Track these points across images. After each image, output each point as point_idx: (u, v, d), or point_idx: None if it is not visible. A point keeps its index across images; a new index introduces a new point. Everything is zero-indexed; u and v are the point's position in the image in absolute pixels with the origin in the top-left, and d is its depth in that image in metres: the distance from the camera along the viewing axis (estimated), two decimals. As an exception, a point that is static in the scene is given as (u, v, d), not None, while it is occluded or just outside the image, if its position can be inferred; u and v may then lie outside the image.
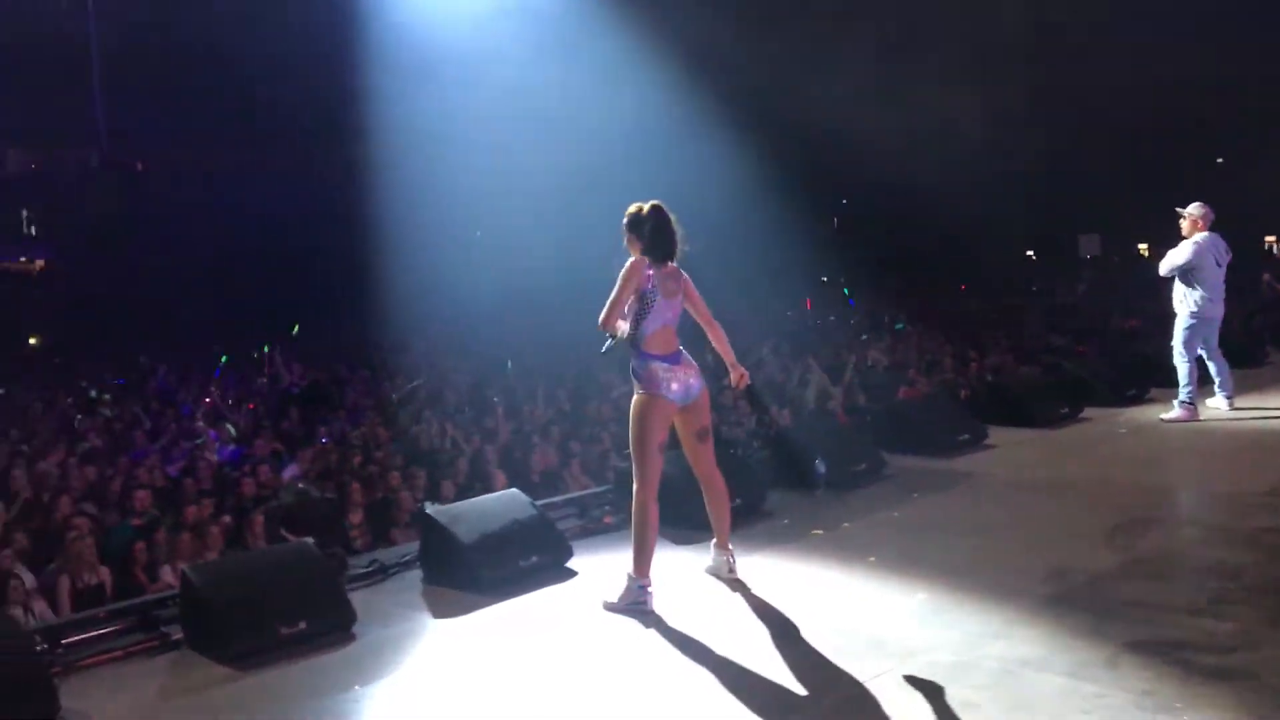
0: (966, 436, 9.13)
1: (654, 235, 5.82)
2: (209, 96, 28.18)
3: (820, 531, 6.96)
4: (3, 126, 29.10)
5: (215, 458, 12.52)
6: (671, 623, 5.57)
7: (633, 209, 5.92)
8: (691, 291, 6.00)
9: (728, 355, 6.20)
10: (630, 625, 5.60)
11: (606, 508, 7.74)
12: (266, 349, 17.42)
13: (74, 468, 12.07)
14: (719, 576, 6.16)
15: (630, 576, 5.80)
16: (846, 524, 7.08)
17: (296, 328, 23.06)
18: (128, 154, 31.60)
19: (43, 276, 32.05)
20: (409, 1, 22.55)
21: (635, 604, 5.75)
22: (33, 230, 33.41)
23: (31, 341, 27.43)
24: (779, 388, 13.20)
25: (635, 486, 5.83)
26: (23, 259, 32.73)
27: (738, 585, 6.02)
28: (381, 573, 6.72)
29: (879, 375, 12.68)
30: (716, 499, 6.10)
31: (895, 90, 20.47)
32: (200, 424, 13.57)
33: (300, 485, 7.12)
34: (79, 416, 15.29)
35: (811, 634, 5.24)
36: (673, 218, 5.89)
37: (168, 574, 9.28)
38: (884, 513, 7.33)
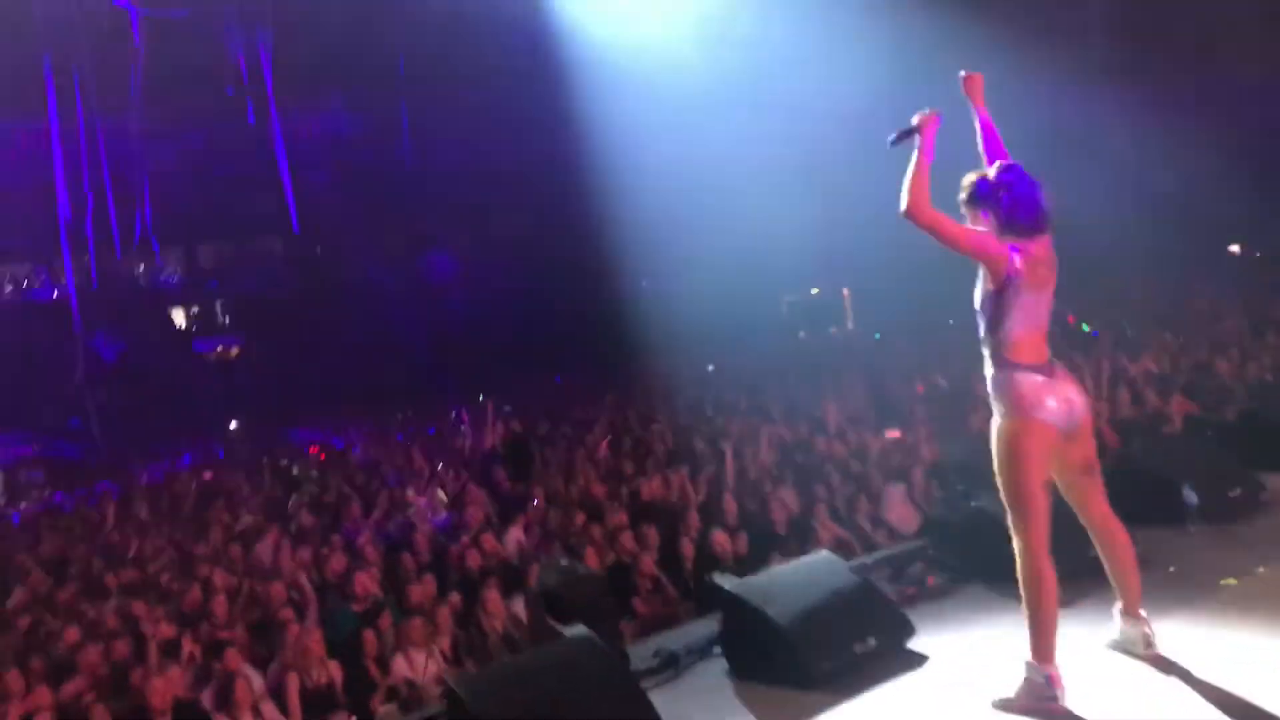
0: None
1: (1016, 203, 4.20)
2: (380, 175, 27.68)
3: (1233, 581, 5.17)
4: (196, 225, 29.28)
5: (429, 528, 11.27)
6: (1103, 725, 3.92)
7: (972, 178, 4.32)
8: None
9: None
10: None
11: (919, 565, 6.10)
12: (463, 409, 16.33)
13: (286, 550, 10.94)
14: (1134, 654, 4.45)
15: (1030, 665, 4.16)
16: (1262, 569, 5.28)
17: (481, 396, 22.05)
18: (308, 241, 31.43)
19: (238, 363, 32.13)
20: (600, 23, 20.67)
21: (1042, 700, 4.10)
22: (226, 320, 33.64)
23: (232, 426, 27.18)
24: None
25: (1017, 544, 4.22)
26: (219, 348, 32.89)
27: (1169, 666, 4.31)
28: (673, 666, 5.21)
29: (1214, 379, 10.64)
30: (1119, 552, 4.41)
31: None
32: (411, 493, 12.36)
33: (564, 561, 5.78)
34: (287, 496, 14.30)
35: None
36: (1038, 178, 4.28)
37: (401, 665, 8.00)
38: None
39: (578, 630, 4.74)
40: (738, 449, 12.45)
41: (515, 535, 10.54)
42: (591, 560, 9.01)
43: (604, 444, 13.58)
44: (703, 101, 21.14)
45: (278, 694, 7.75)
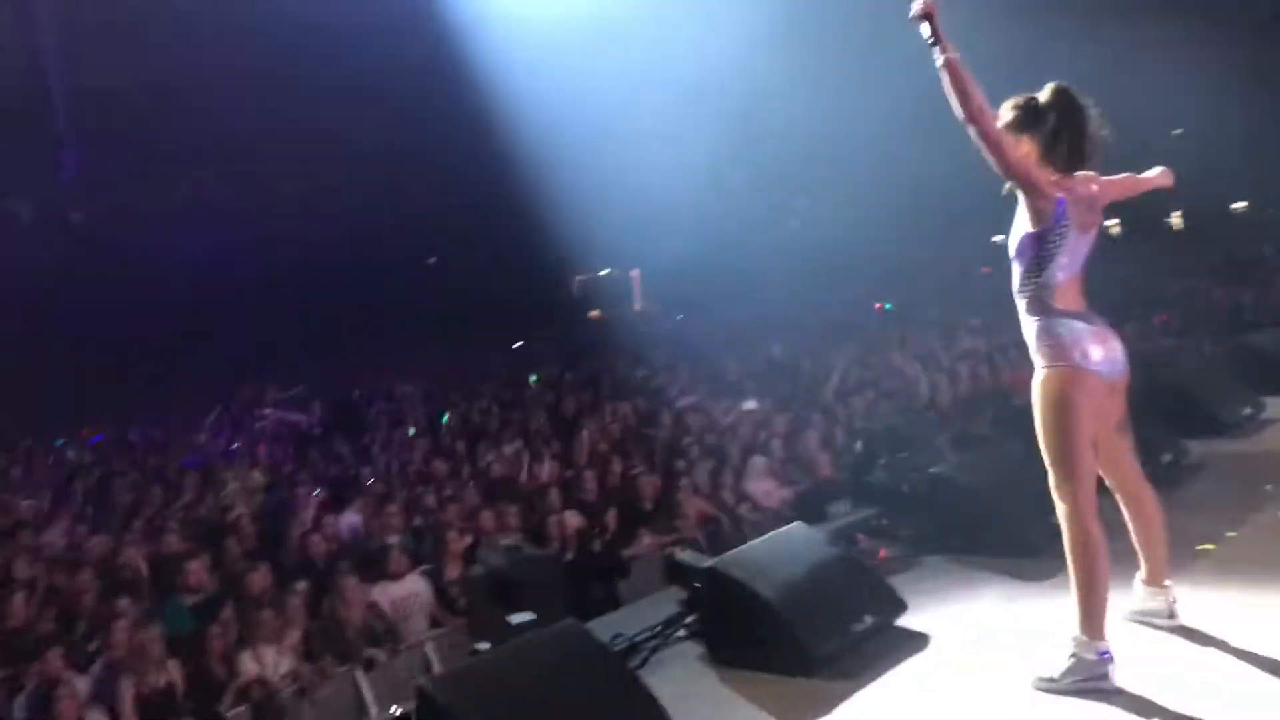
0: (1249, 410, 7.24)
1: (1063, 132, 3.79)
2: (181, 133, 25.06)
3: (1210, 546, 4.98)
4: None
5: (249, 511, 10.15)
6: (1165, 701, 3.57)
7: (1018, 100, 3.88)
8: (1111, 187, 4.03)
9: (1151, 180, 4.30)
10: (1096, 714, 3.58)
11: (861, 539, 5.69)
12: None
13: (85, 538, 9.63)
14: (1156, 625, 4.16)
15: (1078, 640, 3.77)
16: (1231, 533, 5.11)
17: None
18: (74, 205, 28.34)
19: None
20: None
21: (1092, 680, 3.72)
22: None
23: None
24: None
25: (1063, 507, 3.82)
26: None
27: (1197, 636, 4.03)
28: (636, 653, 4.59)
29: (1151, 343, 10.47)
30: (1148, 516, 4.09)
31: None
32: (227, 475, 11.13)
33: (508, 543, 5.04)
34: (68, 483, 12.68)
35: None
36: (1089, 105, 3.87)
37: (250, 663, 7.04)
38: (1268, 512, 5.36)
39: (570, 623, 4.05)
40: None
41: (351, 519, 9.60)
42: (454, 543, 8.23)
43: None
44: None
45: (107, 700, 6.67)
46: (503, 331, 25.37)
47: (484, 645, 4.13)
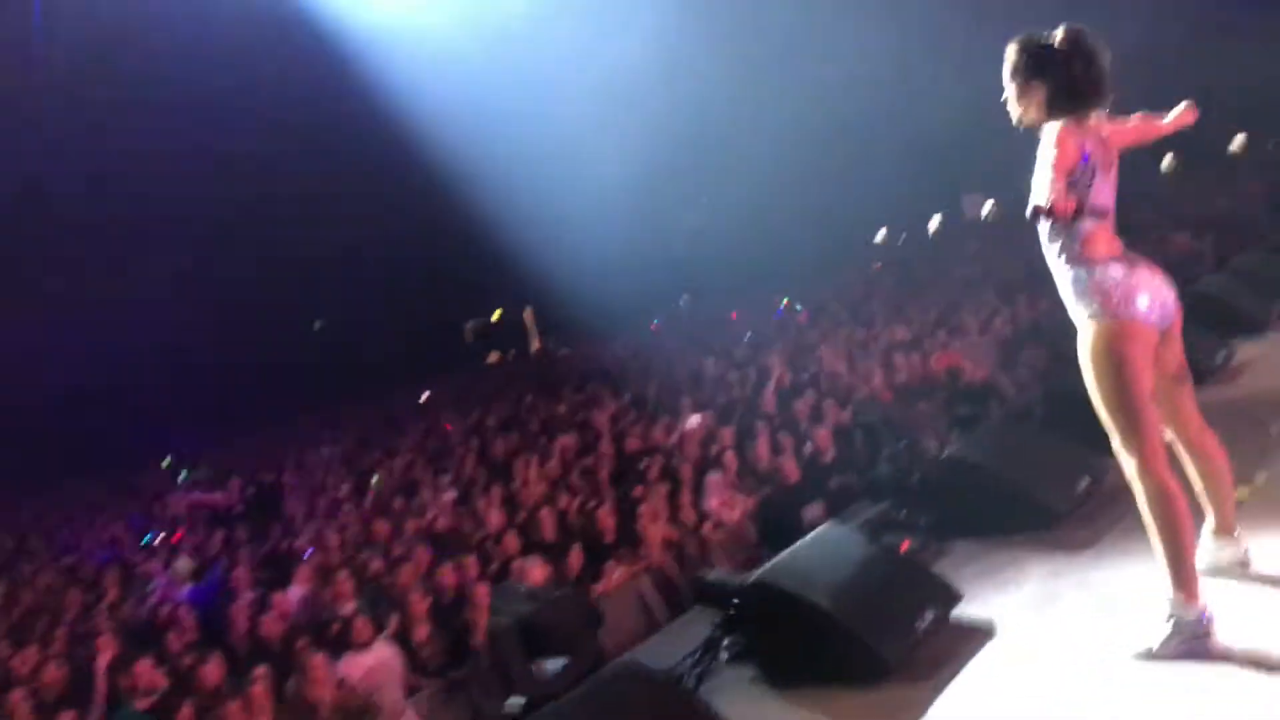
0: (1224, 354, 7.17)
1: (1081, 75, 3.57)
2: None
3: (1244, 490, 4.78)
4: None
5: (180, 600, 9.46)
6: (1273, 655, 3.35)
7: (1031, 42, 3.65)
8: (1126, 131, 3.82)
9: (1170, 123, 3.98)
10: (1210, 678, 3.34)
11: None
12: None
13: (8, 654, 8.81)
14: (1229, 576, 3.93)
15: (1175, 602, 3.52)
16: (1262, 473, 4.94)
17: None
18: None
19: None
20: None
21: (1194, 641, 3.48)
22: None
23: None
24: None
25: (1132, 463, 3.58)
26: None
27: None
28: (680, 683, 4.20)
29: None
30: (1215, 468, 3.87)
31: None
32: (151, 566, 10.39)
33: (526, 587, 4.60)
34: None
35: None
36: (1102, 47, 3.65)
37: (219, 763, 6.43)
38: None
39: (627, 663, 3.66)
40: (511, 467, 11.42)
41: (298, 592, 8.99)
42: (418, 604, 7.72)
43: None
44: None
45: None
46: (403, 386, 24.63)
47: (517, 700, 3.71)
